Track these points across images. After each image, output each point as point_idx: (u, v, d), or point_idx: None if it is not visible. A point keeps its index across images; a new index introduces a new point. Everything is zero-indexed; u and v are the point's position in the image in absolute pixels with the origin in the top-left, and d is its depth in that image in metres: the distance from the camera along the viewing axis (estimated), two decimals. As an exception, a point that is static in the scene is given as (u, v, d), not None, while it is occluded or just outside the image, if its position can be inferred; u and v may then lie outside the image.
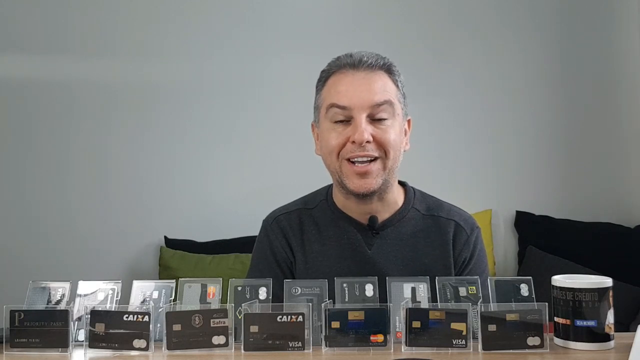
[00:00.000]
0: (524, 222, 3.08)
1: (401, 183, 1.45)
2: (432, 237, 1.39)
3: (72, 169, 3.05)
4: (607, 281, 1.09)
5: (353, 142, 1.28)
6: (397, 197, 1.41)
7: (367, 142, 1.28)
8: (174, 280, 1.22)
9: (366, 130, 1.28)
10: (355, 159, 1.30)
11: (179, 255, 2.88)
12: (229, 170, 3.09)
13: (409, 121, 1.41)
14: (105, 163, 3.06)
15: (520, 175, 3.14)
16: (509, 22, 3.18)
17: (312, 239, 1.40)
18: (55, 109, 3.05)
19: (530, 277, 1.16)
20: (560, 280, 1.11)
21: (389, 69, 1.35)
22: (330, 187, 1.46)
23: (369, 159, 1.30)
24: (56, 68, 3.07)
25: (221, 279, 1.20)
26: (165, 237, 3.00)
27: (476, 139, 3.13)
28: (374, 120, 1.30)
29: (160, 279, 2.54)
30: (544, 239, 2.96)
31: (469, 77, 3.15)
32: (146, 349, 1.08)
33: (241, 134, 3.09)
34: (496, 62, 3.16)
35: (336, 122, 1.32)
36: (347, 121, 1.31)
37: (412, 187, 1.46)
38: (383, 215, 1.39)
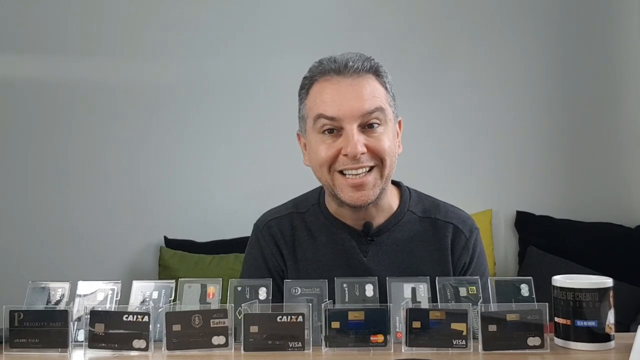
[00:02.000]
0: (525, 222, 3.08)
1: (395, 183, 1.41)
2: (429, 241, 1.34)
3: (72, 169, 3.05)
4: (607, 281, 1.09)
5: (346, 155, 1.22)
6: (391, 200, 1.36)
7: (362, 153, 1.22)
8: (173, 281, 1.22)
9: (359, 142, 1.21)
10: (349, 172, 1.24)
11: (179, 256, 2.88)
12: (229, 170, 3.08)
13: (399, 122, 1.35)
14: (105, 163, 3.06)
15: (520, 176, 3.14)
16: (509, 23, 3.17)
17: (305, 245, 1.36)
18: (55, 109, 3.05)
19: (531, 277, 1.16)
20: (560, 280, 1.10)
21: (376, 71, 1.28)
22: (322, 190, 1.40)
23: (365, 170, 1.24)
24: (56, 68, 3.07)
25: (221, 279, 1.20)
26: (165, 237, 3.00)
27: (476, 139, 3.13)
28: (365, 128, 1.24)
29: (160, 279, 2.55)
30: (545, 239, 2.96)
31: (469, 77, 3.15)
32: (146, 349, 1.08)
33: (241, 134, 3.09)
34: (496, 62, 3.16)
35: (324, 132, 1.25)
36: (337, 130, 1.24)
37: (407, 187, 1.41)
38: (378, 220, 1.34)
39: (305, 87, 1.31)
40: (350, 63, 1.25)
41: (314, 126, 1.27)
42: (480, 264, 1.37)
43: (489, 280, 1.16)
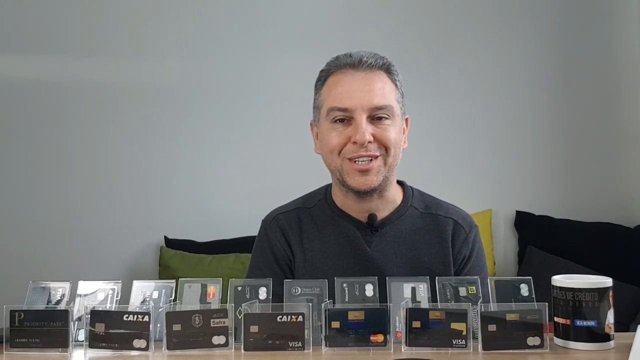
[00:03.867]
0: (524, 222, 3.08)
1: (399, 182, 1.46)
2: (430, 235, 1.40)
3: (72, 169, 3.05)
4: (607, 281, 1.09)
5: (354, 142, 1.30)
6: (395, 195, 1.42)
7: (369, 142, 1.30)
8: (174, 280, 1.22)
9: (367, 131, 1.30)
10: (357, 159, 1.32)
11: (179, 255, 2.88)
12: (229, 170, 3.08)
13: (406, 120, 1.42)
14: (105, 163, 3.06)
15: (520, 175, 3.14)
16: (509, 22, 3.17)
17: (311, 237, 1.41)
18: (55, 109, 3.05)
19: (530, 277, 1.17)
20: (560, 280, 1.11)
21: (388, 69, 1.36)
22: (328, 186, 1.47)
23: (370, 158, 1.31)
24: (56, 68, 3.07)
25: (221, 279, 1.20)
26: (165, 237, 3.00)
27: (476, 139, 3.13)
28: (374, 119, 1.32)
29: (160, 279, 2.55)
30: (544, 239, 2.96)
31: (469, 77, 3.14)
32: (146, 349, 1.08)
33: (241, 133, 3.09)
34: (496, 62, 3.16)
35: (336, 121, 1.33)
36: (347, 120, 1.32)
37: (410, 186, 1.47)
38: (382, 213, 1.40)
39: (322, 79, 1.39)
40: (365, 59, 1.34)
41: (327, 116, 1.35)
42: (480, 260, 1.42)
43: (488, 279, 1.17)
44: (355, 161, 1.32)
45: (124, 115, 3.07)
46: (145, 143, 3.07)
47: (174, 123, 3.08)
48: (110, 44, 3.09)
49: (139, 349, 1.09)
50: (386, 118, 1.32)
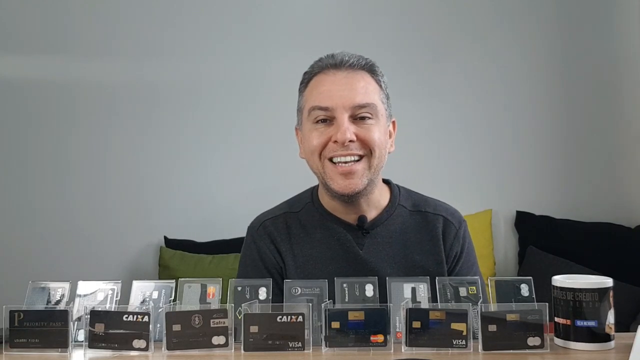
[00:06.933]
0: (524, 222, 3.08)
1: (385, 181, 1.45)
2: (421, 233, 1.39)
3: (72, 169, 3.05)
4: (607, 281, 1.09)
5: (335, 141, 1.27)
6: (382, 195, 1.40)
7: (351, 141, 1.27)
8: (173, 281, 1.22)
9: (348, 130, 1.26)
10: (338, 159, 1.29)
11: (179, 256, 2.88)
12: (229, 170, 3.08)
13: (393, 122, 1.39)
14: (105, 163, 3.06)
15: (520, 175, 3.14)
16: (509, 22, 3.18)
17: (301, 242, 1.39)
18: (55, 109, 3.05)
19: (531, 277, 1.17)
20: (560, 280, 1.11)
21: (371, 69, 1.33)
22: (315, 188, 1.44)
23: (354, 158, 1.28)
24: (56, 68, 3.07)
25: (221, 279, 1.20)
26: (165, 237, 3.00)
27: (476, 139, 3.13)
28: (356, 119, 1.29)
29: (160, 279, 2.54)
30: (545, 239, 2.96)
31: (469, 77, 3.14)
32: (146, 349, 1.08)
33: (241, 133, 3.09)
34: (496, 62, 3.16)
35: (318, 121, 1.30)
36: (329, 121, 1.30)
37: (396, 184, 1.46)
38: (371, 214, 1.38)
39: (305, 81, 1.37)
40: (347, 58, 1.32)
41: (309, 117, 1.32)
42: (470, 254, 1.42)
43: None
44: (336, 163, 1.28)
45: (124, 115, 3.08)
46: (145, 143, 3.07)
47: (174, 123, 3.08)
48: (110, 44, 3.09)
49: (139, 349, 1.09)
50: (369, 118, 1.29)
